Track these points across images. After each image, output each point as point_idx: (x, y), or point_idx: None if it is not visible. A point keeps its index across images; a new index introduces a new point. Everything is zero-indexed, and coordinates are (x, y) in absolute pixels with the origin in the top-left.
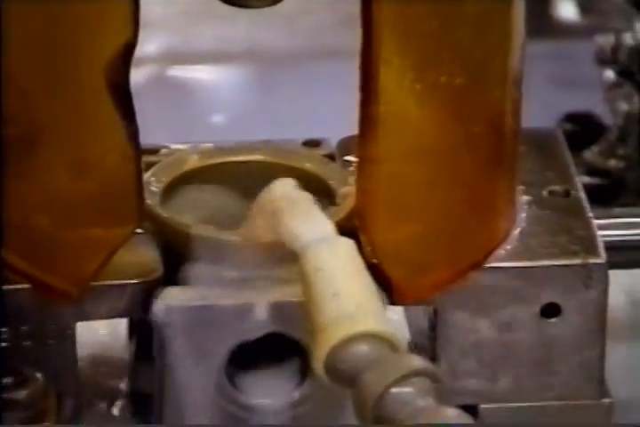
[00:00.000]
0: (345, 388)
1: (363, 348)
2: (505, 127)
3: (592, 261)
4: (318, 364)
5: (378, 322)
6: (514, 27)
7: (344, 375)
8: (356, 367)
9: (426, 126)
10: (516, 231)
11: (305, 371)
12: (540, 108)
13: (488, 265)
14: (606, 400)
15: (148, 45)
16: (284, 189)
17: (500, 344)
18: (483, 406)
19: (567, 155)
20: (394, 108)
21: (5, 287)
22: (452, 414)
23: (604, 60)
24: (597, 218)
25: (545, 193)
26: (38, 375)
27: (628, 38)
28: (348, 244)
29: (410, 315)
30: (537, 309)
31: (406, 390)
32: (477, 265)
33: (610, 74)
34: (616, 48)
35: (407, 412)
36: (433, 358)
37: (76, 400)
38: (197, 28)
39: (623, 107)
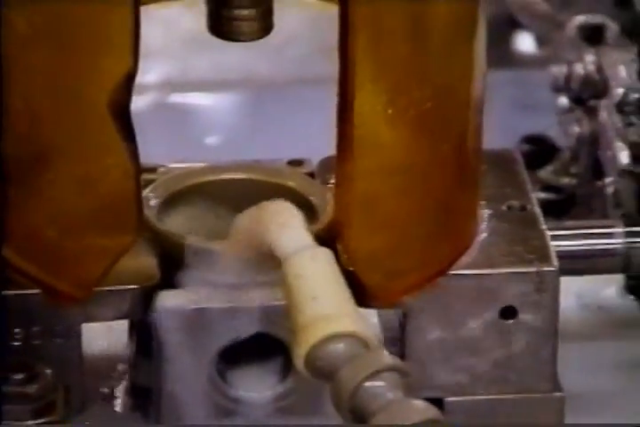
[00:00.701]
0: (324, 382)
1: (339, 346)
2: (468, 147)
3: (545, 268)
4: (299, 361)
5: (352, 323)
6: (476, 57)
7: (323, 371)
8: (333, 364)
9: (396, 146)
10: (478, 241)
11: (288, 367)
12: (501, 131)
13: (453, 272)
14: (557, 394)
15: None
16: (271, 204)
17: (462, 343)
18: (447, 399)
19: (524, 173)
20: (367, 129)
21: (18, 292)
22: (419, 405)
23: (558, 87)
24: (551, 229)
25: (504, 207)
26: (47, 371)
27: (579, 68)
28: (325, 253)
29: (381, 316)
30: (496, 311)
31: (378, 384)
32: (443, 271)
33: (563, 100)
34: (569, 77)
35: (379, 404)
36: (402, 355)
37: (82, 394)
38: (194, 57)
39: (575, 130)
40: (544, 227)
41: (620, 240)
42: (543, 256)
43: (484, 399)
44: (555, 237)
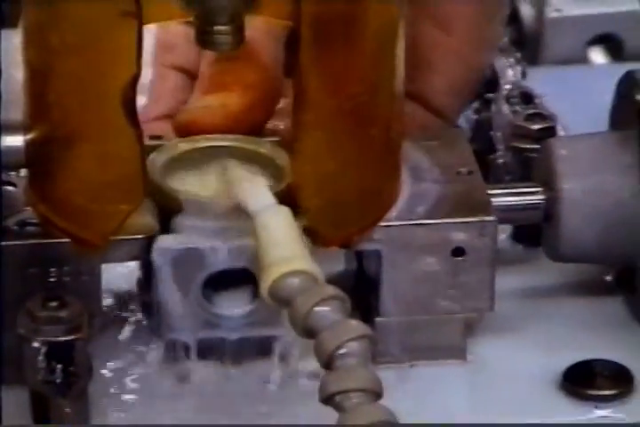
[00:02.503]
0: (283, 307)
1: (294, 280)
2: (392, 129)
3: (486, 218)
4: (264, 291)
5: (305, 263)
6: (399, 59)
7: (282, 300)
8: (290, 294)
9: (336, 129)
10: (437, 198)
11: (257, 293)
12: None
13: (417, 222)
14: (492, 312)
15: None
16: (241, 170)
17: (422, 275)
18: (378, 318)
19: (468, 146)
20: (315, 116)
21: (53, 240)
22: (355, 324)
23: None
24: (490, 189)
25: (454, 173)
26: (75, 301)
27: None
28: (284, 210)
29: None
30: (449, 250)
31: (324, 309)
32: (376, 223)
33: None
34: None
35: (324, 323)
36: (376, 287)
37: (101, 319)
38: None
39: (474, 116)
40: (486, 187)
41: (540, 197)
42: (485, 209)
43: (428, 318)
44: (493, 195)
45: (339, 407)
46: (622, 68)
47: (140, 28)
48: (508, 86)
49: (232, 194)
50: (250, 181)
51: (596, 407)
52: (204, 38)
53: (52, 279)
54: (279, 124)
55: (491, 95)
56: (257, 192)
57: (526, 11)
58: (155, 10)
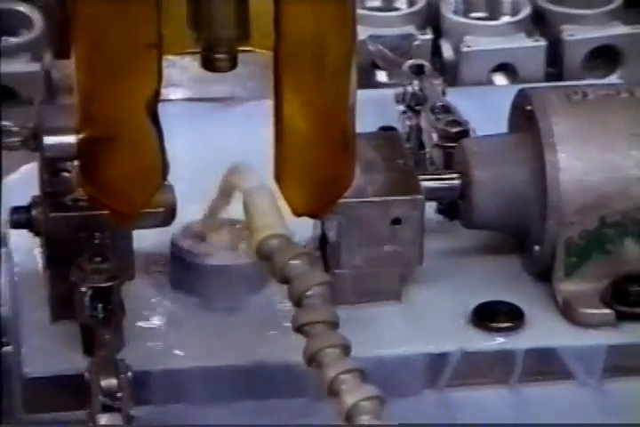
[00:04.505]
0: (265, 261)
1: (274, 241)
2: (348, 124)
3: (417, 197)
4: (252, 250)
5: (282, 229)
6: (353, 78)
7: (265, 256)
8: (271, 251)
9: (307, 127)
10: (382, 182)
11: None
12: (372, 124)
13: (367, 199)
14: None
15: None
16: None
17: (370, 239)
18: (337, 270)
19: (404, 145)
20: (291, 121)
21: (97, 212)
22: (319, 273)
23: (399, 100)
24: (420, 176)
25: (394, 164)
26: (113, 257)
27: (409, 89)
28: (268, 189)
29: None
30: (389, 220)
31: (296, 262)
32: (338, 198)
33: (401, 107)
34: (404, 94)
35: (295, 272)
36: (335, 248)
37: (133, 271)
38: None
39: (408, 123)
40: (417, 174)
41: (457, 181)
42: (416, 190)
43: (373, 270)
44: (422, 180)
45: (306, 334)
46: (516, 88)
47: (160, 55)
48: (432, 101)
49: (228, 176)
50: (242, 168)
51: (497, 335)
52: (208, 64)
53: (96, 241)
54: None
55: (420, 107)
56: (247, 176)
57: (446, 46)
58: (172, 43)
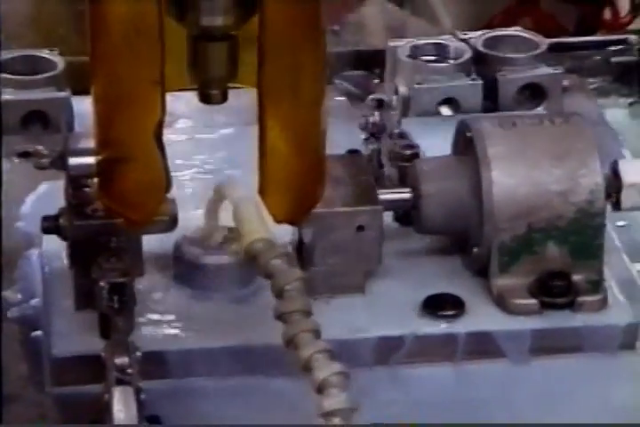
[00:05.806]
0: (252, 261)
1: (259, 244)
2: (320, 146)
3: (376, 208)
4: (241, 251)
5: (266, 234)
6: (325, 107)
7: (252, 256)
8: (256, 252)
9: (286, 149)
10: (346, 196)
11: None
12: (342, 147)
13: (336, 210)
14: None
15: None
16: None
17: (339, 242)
18: (314, 268)
19: (367, 165)
20: (273, 143)
21: (111, 221)
22: (295, 271)
23: (362, 128)
24: (379, 190)
25: (358, 180)
26: (126, 257)
27: (371, 120)
28: (254, 199)
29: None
30: (354, 227)
31: (277, 261)
32: (312, 208)
33: (365, 134)
34: (367, 124)
35: (277, 270)
36: (310, 249)
37: (142, 265)
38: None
39: (370, 147)
40: (376, 189)
41: (410, 195)
42: (376, 202)
43: (342, 268)
44: (380, 193)
45: (285, 321)
46: (459, 118)
47: (164, 90)
48: (390, 129)
49: (219, 189)
50: (231, 182)
51: (443, 322)
52: (204, 98)
53: (112, 244)
54: None
55: (380, 135)
56: (235, 188)
57: (401, 84)
58: (174, 80)
